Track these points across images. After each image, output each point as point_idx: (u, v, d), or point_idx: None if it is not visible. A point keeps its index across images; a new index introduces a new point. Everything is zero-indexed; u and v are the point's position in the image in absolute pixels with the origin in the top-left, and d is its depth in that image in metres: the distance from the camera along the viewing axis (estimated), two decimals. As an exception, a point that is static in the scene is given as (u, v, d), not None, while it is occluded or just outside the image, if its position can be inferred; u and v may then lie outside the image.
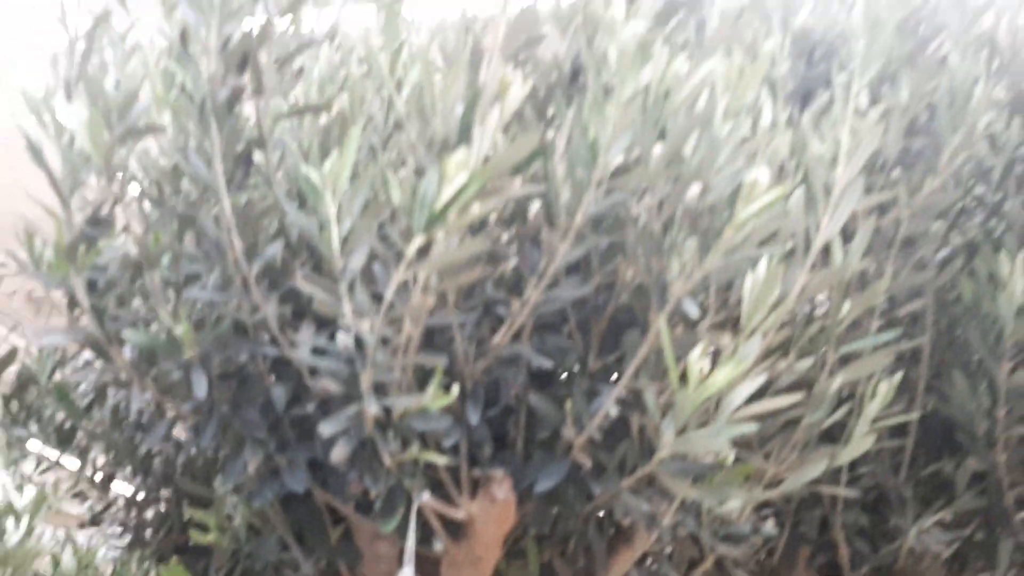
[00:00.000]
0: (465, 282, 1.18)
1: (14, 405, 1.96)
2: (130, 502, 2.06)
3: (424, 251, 1.12)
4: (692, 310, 1.19)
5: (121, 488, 2.09)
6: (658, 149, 1.25)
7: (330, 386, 1.17)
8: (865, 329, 1.51)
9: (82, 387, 1.87)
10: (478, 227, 1.27)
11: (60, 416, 1.99)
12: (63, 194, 1.41)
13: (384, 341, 1.15)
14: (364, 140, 1.43)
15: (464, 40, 1.33)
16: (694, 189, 1.21)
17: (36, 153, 1.42)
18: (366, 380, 1.13)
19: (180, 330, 1.26)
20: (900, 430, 1.78)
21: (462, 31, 1.40)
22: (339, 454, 1.15)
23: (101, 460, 2.03)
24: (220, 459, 1.48)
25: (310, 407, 1.31)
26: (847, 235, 1.44)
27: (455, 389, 1.16)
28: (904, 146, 1.56)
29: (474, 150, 1.10)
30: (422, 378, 1.22)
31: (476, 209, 1.10)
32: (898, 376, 1.43)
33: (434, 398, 1.15)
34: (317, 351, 1.21)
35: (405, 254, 1.11)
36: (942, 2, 2.01)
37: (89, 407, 1.88)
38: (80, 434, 2.00)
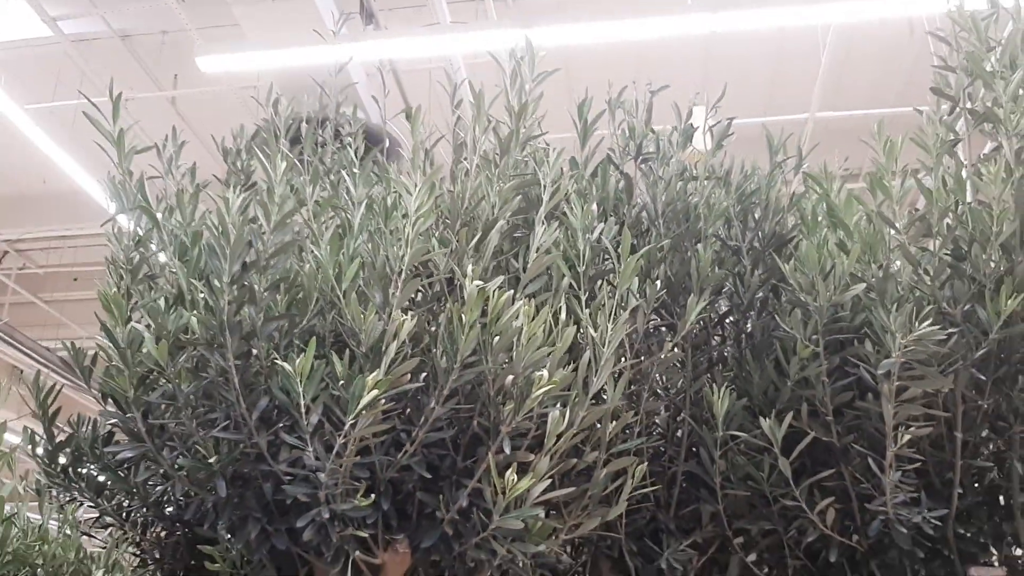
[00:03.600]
0: (370, 438, 2.09)
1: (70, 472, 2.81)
2: (147, 534, 2.93)
3: (354, 424, 2.02)
4: (507, 447, 2.11)
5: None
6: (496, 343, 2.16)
7: (300, 496, 2.07)
8: (629, 436, 2.46)
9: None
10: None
11: (100, 477, 2.84)
12: (128, 361, 2.28)
13: (332, 471, 2.05)
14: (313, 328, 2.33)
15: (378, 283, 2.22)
16: (509, 378, 2.13)
17: (112, 337, 2.29)
18: (321, 496, 2.04)
19: (213, 459, 2.15)
20: (671, 483, 2.76)
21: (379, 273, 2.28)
22: (307, 536, 2.06)
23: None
24: (227, 524, 2.36)
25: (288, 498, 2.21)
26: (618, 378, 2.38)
27: (372, 496, 2.08)
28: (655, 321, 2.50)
29: (382, 370, 2.01)
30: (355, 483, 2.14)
31: (382, 402, 2.01)
32: (643, 466, 2.38)
33: (360, 502, 2.07)
34: (290, 474, 2.11)
35: (344, 427, 2.01)
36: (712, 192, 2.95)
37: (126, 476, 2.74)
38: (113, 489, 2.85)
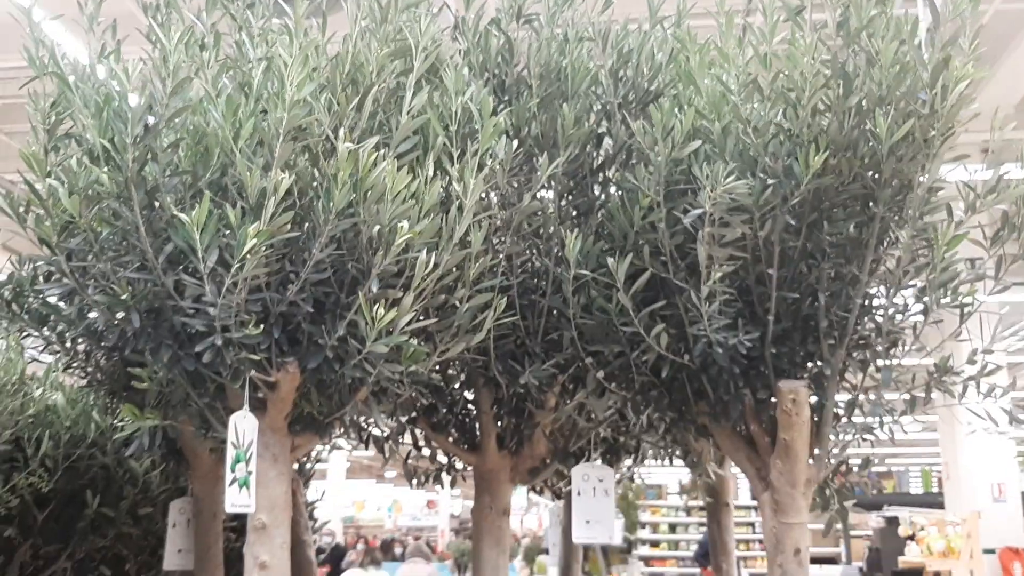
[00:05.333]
0: (263, 278, 2.47)
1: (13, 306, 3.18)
2: (91, 359, 3.35)
3: (240, 267, 2.40)
4: (375, 287, 2.51)
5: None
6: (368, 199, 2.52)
7: (198, 326, 2.47)
8: (489, 276, 2.86)
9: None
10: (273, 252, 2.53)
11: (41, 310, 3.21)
12: (49, 211, 2.62)
13: (224, 306, 2.45)
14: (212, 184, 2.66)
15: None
16: (376, 228, 2.50)
17: (34, 190, 2.63)
18: (217, 326, 2.44)
19: (125, 295, 2.53)
20: (539, 315, 3.19)
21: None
22: (207, 358, 2.48)
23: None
24: (144, 349, 2.76)
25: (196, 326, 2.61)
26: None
27: (262, 326, 2.48)
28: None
29: (263, 221, 2.37)
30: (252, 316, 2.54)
31: (261, 250, 2.38)
32: (504, 300, 2.79)
33: (252, 331, 2.47)
34: (195, 308, 2.50)
35: (231, 268, 2.39)
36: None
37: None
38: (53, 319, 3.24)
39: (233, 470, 2.58)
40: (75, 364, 3.44)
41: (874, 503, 13.91)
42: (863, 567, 13.23)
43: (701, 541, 15.37)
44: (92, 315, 2.92)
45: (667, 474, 17.44)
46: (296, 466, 4.47)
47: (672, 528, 18.37)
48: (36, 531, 3.72)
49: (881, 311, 2.93)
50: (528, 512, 26.62)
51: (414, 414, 3.40)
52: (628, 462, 4.34)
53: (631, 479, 4.63)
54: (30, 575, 3.82)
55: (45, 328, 3.25)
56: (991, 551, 10.02)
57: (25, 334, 3.26)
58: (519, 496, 25.31)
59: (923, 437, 19.03)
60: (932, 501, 13.10)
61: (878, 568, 12.50)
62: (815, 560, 13.85)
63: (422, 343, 2.76)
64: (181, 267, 2.58)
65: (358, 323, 2.57)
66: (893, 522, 12.18)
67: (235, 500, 2.58)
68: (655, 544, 18.21)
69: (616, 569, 13.05)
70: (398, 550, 14.87)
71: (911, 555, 11.15)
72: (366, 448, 3.47)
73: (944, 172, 2.87)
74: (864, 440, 3.02)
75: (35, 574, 3.84)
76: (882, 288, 2.91)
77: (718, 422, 3.15)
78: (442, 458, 3.69)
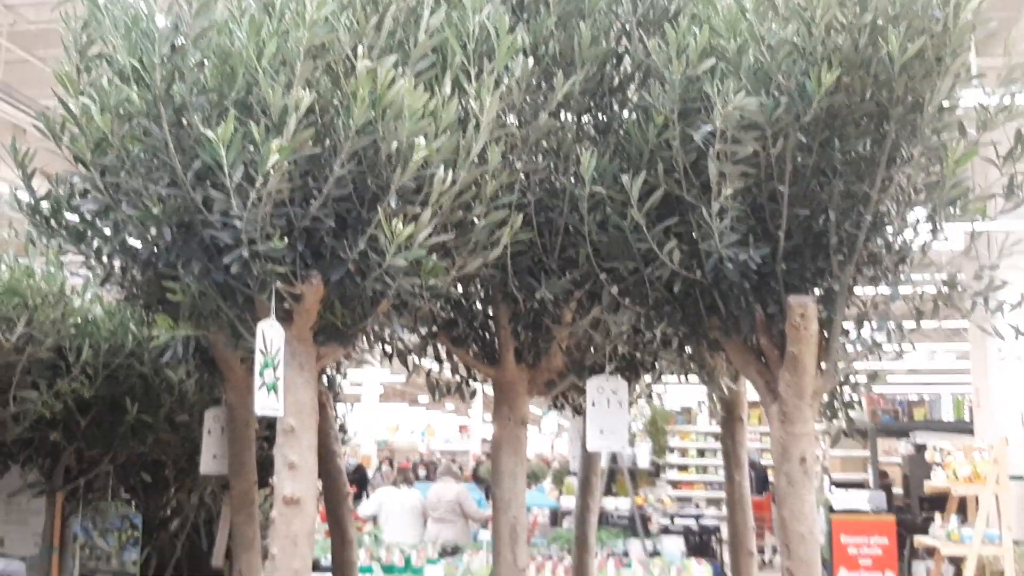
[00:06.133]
0: (287, 193, 2.58)
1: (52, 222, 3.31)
2: (126, 275, 3.49)
3: (264, 181, 2.50)
4: (393, 202, 2.60)
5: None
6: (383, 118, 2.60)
7: (226, 239, 2.59)
8: (507, 193, 2.94)
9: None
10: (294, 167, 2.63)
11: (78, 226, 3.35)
12: (82, 129, 2.74)
13: (249, 220, 2.56)
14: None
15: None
16: (394, 144, 2.59)
17: (68, 109, 2.74)
18: (244, 239, 2.56)
19: (156, 210, 2.65)
20: (555, 232, 3.27)
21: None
22: (234, 270, 2.60)
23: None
24: (176, 261, 2.89)
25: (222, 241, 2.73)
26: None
27: (286, 239, 2.59)
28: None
29: (285, 137, 2.46)
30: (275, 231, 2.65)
31: (284, 165, 2.48)
32: (520, 217, 2.88)
33: (276, 244, 2.59)
34: (221, 221, 2.62)
35: (255, 183, 2.49)
36: None
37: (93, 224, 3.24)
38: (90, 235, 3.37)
39: (262, 375, 2.72)
40: (112, 279, 3.59)
41: (903, 429, 13.97)
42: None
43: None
44: (126, 233, 3.06)
45: (696, 399, 17.61)
46: (326, 381, 4.64)
47: (701, 453, 18.60)
48: (79, 436, 3.93)
49: (891, 228, 2.98)
50: (559, 436, 27.05)
51: (435, 328, 3.52)
52: (648, 378, 4.45)
53: (649, 396, 4.75)
54: (75, 477, 4.07)
55: (83, 244, 3.39)
56: (1019, 478, 10.09)
57: (64, 251, 3.41)
58: (550, 420, 25.71)
59: (957, 366, 19.03)
60: (963, 428, 13.12)
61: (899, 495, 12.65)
62: (843, 485, 14.03)
63: (441, 258, 2.87)
64: (209, 182, 2.68)
65: (378, 238, 2.67)
66: (921, 449, 12.25)
67: (264, 404, 2.73)
68: (683, 468, 18.47)
69: (644, 492, 13.33)
70: (422, 472, 15.57)
71: (937, 480, 11.25)
72: (390, 362, 3.61)
73: (963, 93, 2.89)
74: (871, 354, 3.09)
75: (80, 476, 4.08)
76: (893, 205, 2.95)
77: (729, 336, 3.24)
78: (462, 373, 3.83)
